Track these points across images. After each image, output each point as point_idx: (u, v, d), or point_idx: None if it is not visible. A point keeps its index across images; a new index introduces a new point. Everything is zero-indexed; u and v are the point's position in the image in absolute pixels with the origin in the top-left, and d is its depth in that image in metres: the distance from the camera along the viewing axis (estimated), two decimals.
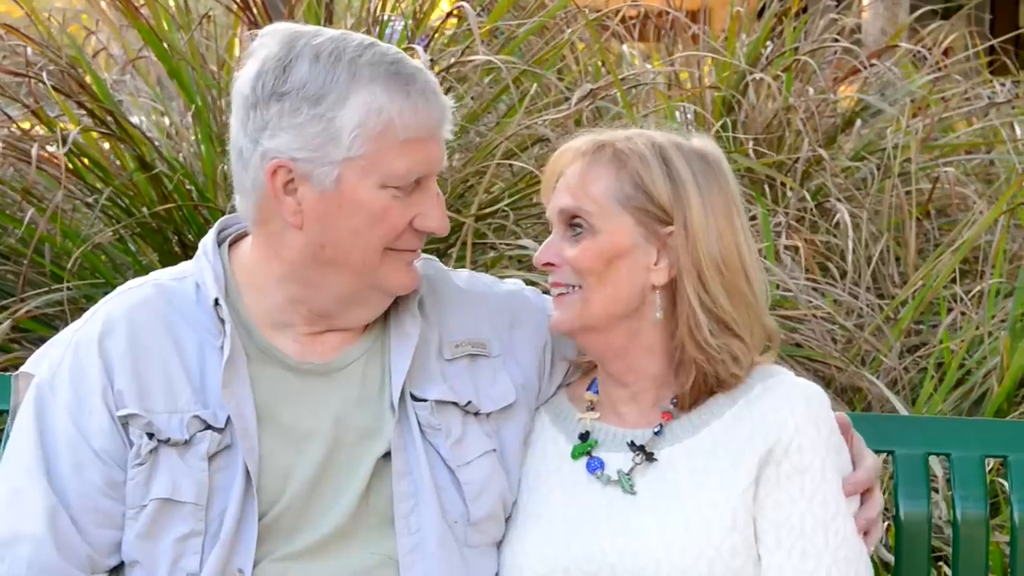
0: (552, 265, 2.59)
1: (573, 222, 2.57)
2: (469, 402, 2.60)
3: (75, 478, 2.47)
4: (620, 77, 4.91)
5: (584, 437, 2.63)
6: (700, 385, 2.57)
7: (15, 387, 2.60)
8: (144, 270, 4.44)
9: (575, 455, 2.62)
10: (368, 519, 2.51)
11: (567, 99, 4.93)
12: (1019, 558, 2.87)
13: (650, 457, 2.56)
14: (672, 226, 2.53)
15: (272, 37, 2.50)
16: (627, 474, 2.56)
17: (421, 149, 2.49)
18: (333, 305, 2.55)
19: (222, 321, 2.51)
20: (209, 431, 2.47)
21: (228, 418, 2.47)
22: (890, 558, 3.47)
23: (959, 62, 6.55)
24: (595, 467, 2.59)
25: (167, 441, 2.46)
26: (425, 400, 2.57)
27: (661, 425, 2.58)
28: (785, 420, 2.50)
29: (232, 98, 2.53)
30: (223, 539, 2.44)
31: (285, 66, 2.46)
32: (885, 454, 2.93)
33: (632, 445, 2.58)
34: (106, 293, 4.31)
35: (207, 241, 2.62)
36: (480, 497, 2.57)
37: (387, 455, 2.54)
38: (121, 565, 2.51)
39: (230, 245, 2.64)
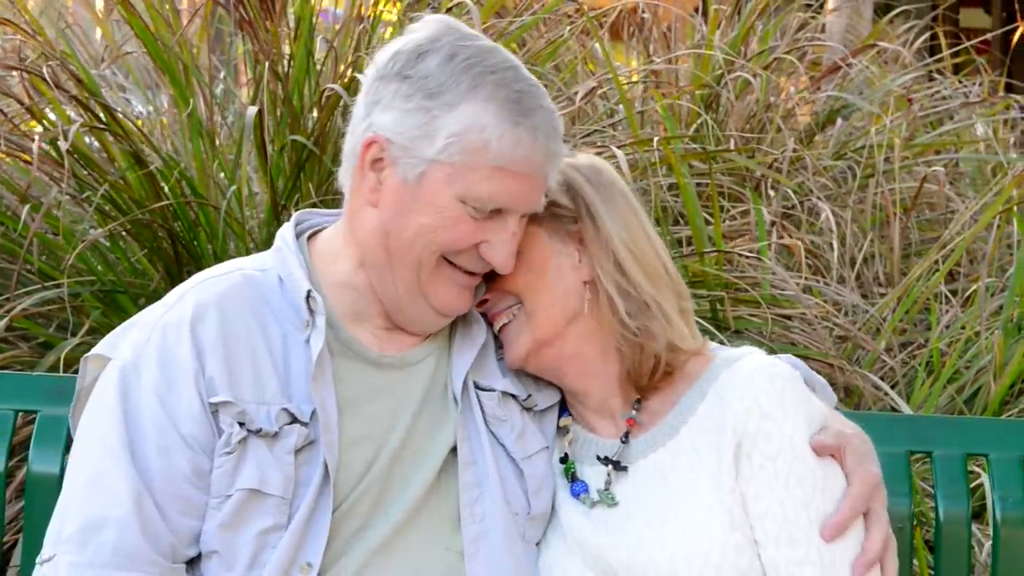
0: (487, 302, 2.60)
1: None
2: (529, 396, 2.61)
3: (161, 462, 2.42)
4: (606, 75, 4.90)
5: (564, 460, 2.63)
6: (640, 369, 2.56)
7: (83, 370, 2.54)
8: (133, 267, 4.37)
9: (566, 475, 2.63)
10: (436, 512, 2.50)
11: (555, 98, 4.91)
12: None
13: (618, 466, 2.55)
14: (580, 222, 2.57)
15: (428, 24, 2.53)
16: (605, 490, 2.56)
17: (510, 181, 2.47)
18: (392, 303, 2.54)
19: (312, 313, 2.49)
20: (296, 425, 2.45)
21: (312, 412, 2.45)
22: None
23: (926, 63, 6.60)
24: (579, 491, 2.59)
25: (258, 432, 2.44)
26: (492, 390, 2.58)
27: (627, 433, 2.57)
28: (749, 408, 2.47)
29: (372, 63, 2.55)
30: (292, 531, 2.41)
31: (420, 53, 2.48)
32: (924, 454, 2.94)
33: (599, 458, 2.58)
34: (96, 291, 4.29)
35: (286, 234, 2.60)
36: (540, 492, 2.58)
37: (455, 449, 2.54)
38: (196, 559, 2.46)
39: (308, 239, 2.62)
